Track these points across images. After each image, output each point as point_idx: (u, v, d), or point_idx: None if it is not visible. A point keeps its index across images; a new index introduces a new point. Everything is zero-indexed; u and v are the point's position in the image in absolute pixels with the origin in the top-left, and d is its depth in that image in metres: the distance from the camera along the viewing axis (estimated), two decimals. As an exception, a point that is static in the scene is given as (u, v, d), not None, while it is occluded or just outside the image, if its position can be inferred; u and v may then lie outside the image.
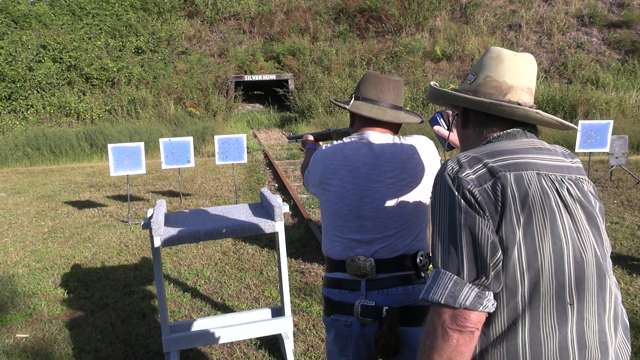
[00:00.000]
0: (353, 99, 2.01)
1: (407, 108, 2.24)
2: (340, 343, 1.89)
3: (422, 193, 1.89)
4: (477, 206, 1.21)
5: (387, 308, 1.79)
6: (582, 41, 20.12)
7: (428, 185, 1.89)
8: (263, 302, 4.55)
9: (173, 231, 3.31)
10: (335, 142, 2.02)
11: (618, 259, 5.17)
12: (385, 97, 1.99)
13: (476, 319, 1.18)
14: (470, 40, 20.92)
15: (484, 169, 1.25)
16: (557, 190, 1.26)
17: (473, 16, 22.23)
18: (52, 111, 18.21)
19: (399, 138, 1.95)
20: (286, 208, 3.54)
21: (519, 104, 1.38)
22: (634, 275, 4.78)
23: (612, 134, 7.90)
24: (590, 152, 8.02)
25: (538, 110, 1.37)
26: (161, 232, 3.27)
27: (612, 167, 8.43)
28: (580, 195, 1.30)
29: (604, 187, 8.28)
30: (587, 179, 1.39)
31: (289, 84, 21.83)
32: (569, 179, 1.31)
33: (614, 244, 5.62)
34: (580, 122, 7.79)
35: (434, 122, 2.08)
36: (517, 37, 21.06)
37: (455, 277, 1.20)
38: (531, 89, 1.43)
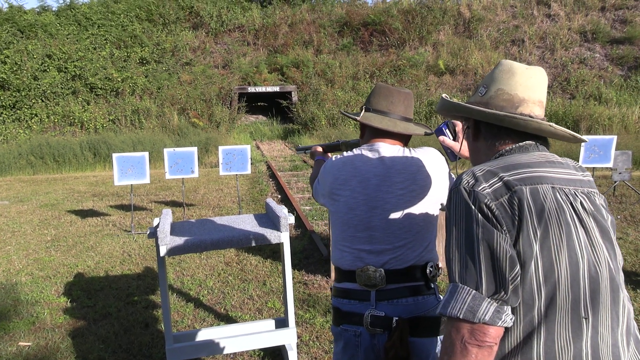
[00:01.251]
0: (363, 110, 2.03)
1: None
2: (349, 353, 1.88)
3: (431, 204, 1.91)
4: (494, 220, 1.21)
5: (397, 318, 1.79)
6: (584, 57, 20.20)
7: (437, 196, 1.91)
8: (266, 313, 4.53)
9: (179, 240, 3.31)
10: (344, 154, 2.04)
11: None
12: (395, 109, 2.01)
13: (495, 333, 1.18)
14: (474, 55, 21.01)
15: (500, 183, 1.26)
16: (571, 204, 1.26)
17: (476, 31, 22.35)
18: (56, 120, 18.29)
19: (409, 150, 1.96)
20: (292, 219, 3.54)
21: (530, 117, 1.39)
22: (638, 290, 4.76)
23: (615, 149, 7.91)
24: (593, 168, 8.02)
25: (551, 123, 1.37)
26: (167, 241, 3.27)
27: (615, 182, 8.42)
28: (593, 208, 1.30)
29: (607, 202, 8.27)
30: (598, 192, 1.39)
31: (293, 95, 21.91)
32: (582, 192, 1.31)
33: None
34: (586, 137, 7.80)
35: (439, 132, 2.08)
36: (520, 52, 21.15)
37: (474, 291, 1.20)
38: (542, 102, 1.43)
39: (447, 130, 2.09)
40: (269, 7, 26.00)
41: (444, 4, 23.64)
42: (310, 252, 6.10)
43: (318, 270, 5.50)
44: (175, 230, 3.60)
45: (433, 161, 1.93)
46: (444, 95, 1.61)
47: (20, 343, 4.10)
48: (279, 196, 9.72)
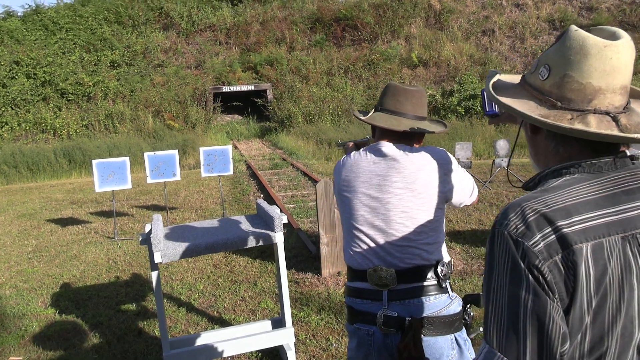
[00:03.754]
0: (374, 110, 2.04)
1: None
2: (363, 351, 1.90)
3: (435, 204, 1.89)
4: (546, 286, 1.00)
5: (409, 319, 1.79)
6: (554, 45, 20.52)
7: (441, 196, 1.90)
8: (260, 314, 4.52)
9: (173, 246, 3.28)
10: (352, 154, 2.04)
11: None
12: (403, 108, 2.00)
13: None
14: (446, 47, 21.20)
15: (555, 236, 1.00)
16: (636, 260, 1.03)
17: (447, 23, 22.55)
18: (27, 128, 17.93)
19: (415, 148, 1.95)
20: (285, 218, 3.54)
21: (607, 113, 1.09)
22: None
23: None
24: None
25: (636, 135, 1.06)
26: (161, 248, 3.23)
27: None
28: None
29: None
30: None
31: (268, 94, 21.85)
32: None
33: None
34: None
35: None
36: (491, 42, 21.41)
37: None
38: (626, 86, 1.11)
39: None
40: (240, 6, 25.85)
41: (414, -4, 23.80)
42: (298, 251, 6.10)
43: (308, 268, 5.50)
44: (167, 235, 3.56)
45: (437, 160, 1.91)
46: (495, 74, 1.30)
47: (11, 358, 4.02)
48: (262, 195, 9.68)
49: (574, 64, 1.08)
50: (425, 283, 1.85)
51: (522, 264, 1.01)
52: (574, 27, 1.10)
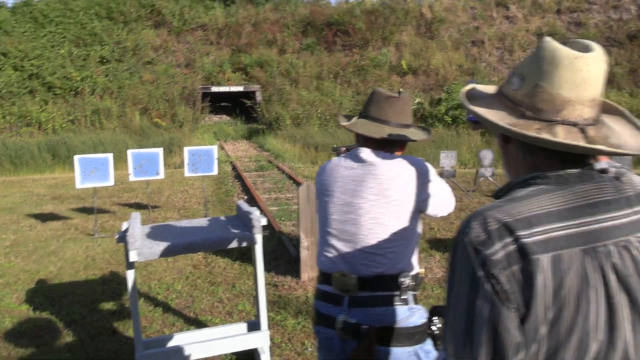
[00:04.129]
0: (357, 116, 2.05)
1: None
2: (323, 354, 1.92)
3: (407, 213, 1.86)
4: (503, 296, 0.99)
5: (365, 327, 1.78)
6: (542, 58, 20.76)
7: (415, 206, 1.87)
8: (237, 316, 4.50)
9: (150, 245, 3.25)
10: (332, 159, 2.05)
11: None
12: (385, 115, 1.98)
13: None
14: (435, 55, 21.34)
15: (515, 246, 1.00)
16: (602, 271, 1.02)
17: (438, 32, 22.72)
18: (12, 121, 17.73)
19: (394, 156, 1.93)
20: (264, 220, 3.52)
21: (575, 124, 1.08)
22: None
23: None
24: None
25: (602, 147, 1.06)
26: (137, 246, 3.20)
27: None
28: (632, 270, 1.04)
29: None
30: None
31: (257, 95, 21.82)
32: (623, 245, 1.04)
33: None
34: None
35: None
36: (480, 53, 21.58)
37: None
38: (596, 99, 1.10)
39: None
40: (232, 6, 25.86)
41: (406, 4, 23.95)
42: (279, 254, 6.08)
43: (288, 271, 5.48)
44: (145, 234, 3.53)
45: (415, 169, 1.89)
46: (470, 83, 1.31)
47: (-19, 353, 3.96)
48: (246, 197, 9.65)
49: (545, 75, 1.08)
50: (387, 293, 1.83)
51: (480, 273, 1.00)
52: (547, 39, 1.10)
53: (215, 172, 8.01)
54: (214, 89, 21.66)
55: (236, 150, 18.07)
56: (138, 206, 9.22)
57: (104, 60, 21.06)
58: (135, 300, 3.33)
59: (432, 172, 1.94)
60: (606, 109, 1.22)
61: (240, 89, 21.93)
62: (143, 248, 3.22)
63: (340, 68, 21.94)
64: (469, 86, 1.29)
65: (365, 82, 21.21)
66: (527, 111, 1.11)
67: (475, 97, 1.27)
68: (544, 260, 0.98)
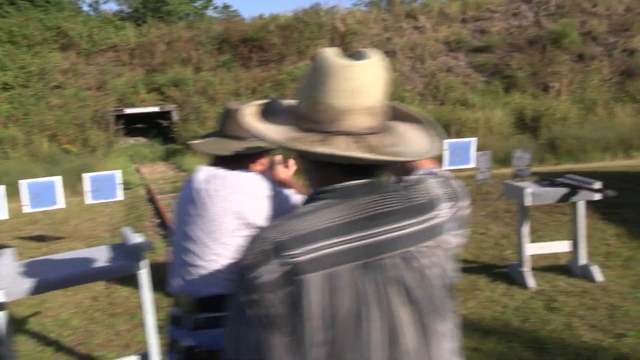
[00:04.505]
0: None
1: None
2: None
3: (232, 232, 1.78)
4: (268, 321, 0.93)
5: (197, 350, 1.74)
6: (451, 65, 21.60)
7: (243, 222, 1.78)
8: (134, 348, 4.29)
9: (21, 282, 3.05)
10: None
11: (483, 268, 5.50)
12: (229, 130, 1.98)
13: None
14: (351, 67, 21.71)
15: (284, 267, 0.94)
16: (380, 285, 0.98)
17: (351, 44, 23.13)
18: None
19: (224, 172, 1.86)
20: (149, 246, 3.38)
21: (351, 134, 1.04)
22: (497, 282, 5.08)
23: (478, 150, 8.46)
24: (457, 169, 8.51)
25: (371, 156, 1.02)
26: (5, 285, 3.00)
27: (478, 181, 9.00)
28: (416, 282, 1.01)
29: (474, 200, 8.82)
30: (446, 240, 1.09)
31: (173, 115, 21.34)
32: (405, 257, 1.01)
33: (479, 254, 5.96)
34: (447, 141, 8.26)
35: None
36: (393, 63, 22.17)
37: None
38: (374, 107, 1.06)
39: None
40: (144, 26, 25.26)
41: (319, 18, 24.27)
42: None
43: (193, 295, 5.31)
44: (19, 271, 3.31)
45: (244, 185, 1.81)
46: (270, 99, 1.24)
47: None
48: (158, 220, 9.35)
49: (319, 85, 1.05)
50: (222, 314, 1.79)
51: (244, 299, 0.96)
52: (323, 49, 1.08)
53: (119, 197, 7.71)
54: (128, 110, 20.96)
55: (153, 172, 17.57)
56: (41, 239, 8.72)
57: (7, 87, 19.94)
58: (8, 345, 3.10)
59: (265, 187, 1.83)
60: (401, 116, 1.23)
61: (156, 109, 21.34)
62: (11, 287, 3.01)
63: (258, 83, 21.86)
64: (259, 102, 1.22)
65: (284, 96, 21.27)
66: (310, 124, 1.07)
67: (273, 111, 1.20)
68: (314, 280, 0.93)
